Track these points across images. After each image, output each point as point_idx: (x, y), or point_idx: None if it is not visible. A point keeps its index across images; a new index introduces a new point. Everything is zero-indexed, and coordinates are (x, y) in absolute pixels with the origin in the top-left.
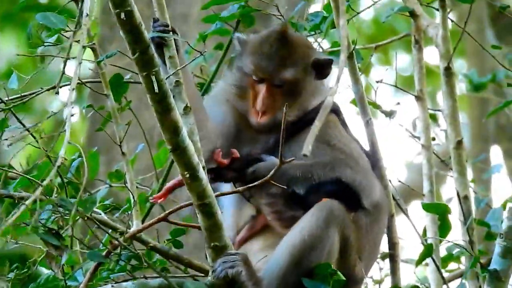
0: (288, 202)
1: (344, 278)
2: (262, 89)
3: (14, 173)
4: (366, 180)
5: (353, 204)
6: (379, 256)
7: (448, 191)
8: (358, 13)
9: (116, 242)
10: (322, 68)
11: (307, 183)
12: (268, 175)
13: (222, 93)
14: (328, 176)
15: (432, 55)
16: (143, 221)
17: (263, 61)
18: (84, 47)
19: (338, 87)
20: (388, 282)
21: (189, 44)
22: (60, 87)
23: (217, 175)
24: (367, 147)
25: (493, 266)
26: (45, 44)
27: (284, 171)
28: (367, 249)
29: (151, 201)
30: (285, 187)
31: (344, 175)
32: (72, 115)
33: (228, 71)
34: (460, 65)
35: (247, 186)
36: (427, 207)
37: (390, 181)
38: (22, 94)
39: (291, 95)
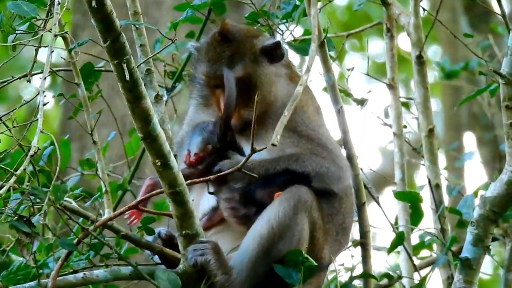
0: (243, 199)
1: (316, 264)
2: (220, 93)
3: None
4: (335, 165)
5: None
6: (350, 243)
7: (421, 178)
8: (331, 1)
9: (87, 230)
10: (272, 53)
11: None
12: (235, 168)
13: (193, 110)
14: (294, 168)
15: (405, 42)
16: (114, 209)
17: (210, 68)
18: (55, 35)
19: (308, 76)
20: (359, 269)
21: (160, 32)
22: (32, 75)
23: (186, 176)
24: (338, 135)
25: (464, 254)
26: (17, 32)
27: (250, 169)
28: (334, 234)
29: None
30: (255, 175)
31: (311, 164)
32: (44, 104)
33: (190, 84)
34: (434, 52)
35: (210, 178)
36: (398, 196)
37: (361, 169)
38: None
39: (249, 89)
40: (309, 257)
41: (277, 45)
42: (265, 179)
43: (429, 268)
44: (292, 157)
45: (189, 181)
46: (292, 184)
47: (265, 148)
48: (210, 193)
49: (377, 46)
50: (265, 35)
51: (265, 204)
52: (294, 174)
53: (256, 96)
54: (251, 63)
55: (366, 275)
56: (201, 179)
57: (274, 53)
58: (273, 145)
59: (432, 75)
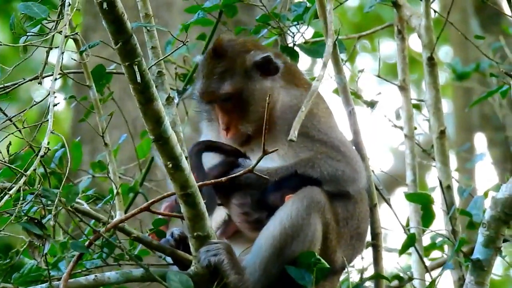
0: (255, 203)
1: (328, 266)
2: (217, 108)
3: None
4: (350, 167)
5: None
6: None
7: (433, 179)
8: (341, 3)
9: (98, 232)
10: (265, 67)
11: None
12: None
13: (203, 124)
14: (310, 174)
15: (417, 43)
16: (126, 211)
17: (203, 85)
18: (66, 37)
19: (324, 73)
20: (371, 271)
21: (171, 34)
22: (43, 77)
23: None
24: (350, 137)
25: (475, 255)
26: (28, 34)
27: (267, 175)
28: (349, 239)
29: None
30: (268, 177)
31: (326, 169)
32: (55, 105)
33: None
34: (445, 53)
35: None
36: (410, 197)
37: (373, 171)
38: (5, 85)
39: (242, 104)
40: (322, 259)
41: (267, 59)
42: (277, 182)
43: (440, 270)
44: (307, 162)
45: (201, 183)
46: (303, 186)
47: (277, 150)
48: (219, 204)
49: (388, 47)
50: (261, 48)
51: (277, 208)
52: (306, 176)
53: (267, 98)
54: (242, 78)
55: (377, 276)
56: (213, 181)
57: (267, 67)
58: (291, 140)
59: (444, 76)
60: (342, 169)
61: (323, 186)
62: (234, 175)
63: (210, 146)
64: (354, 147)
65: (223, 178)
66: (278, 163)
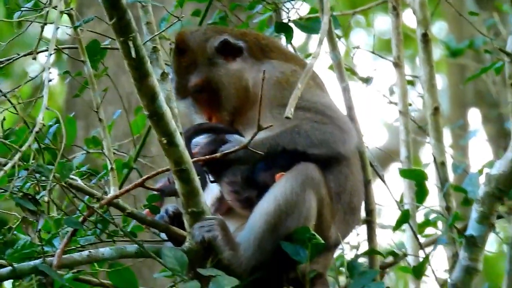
0: (245, 182)
1: (323, 242)
2: (194, 102)
3: None
4: (338, 129)
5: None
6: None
7: (427, 156)
8: None
9: (92, 208)
10: (227, 50)
11: (275, 154)
12: (241, 145)
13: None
14: (298, 141)
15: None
16: (120, 187)
17: (175, 82)
18: (61, 12)
19: (320, 49)
20: (365, 247)
21: (167, 10)
22: (38, 52)
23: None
24: (344, 113)
25: (469, 232)
26: (22, 9)
27: (254, 148)
28: (342, 214)
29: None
30: (262, 153)
31: (313, 133)
32: (49, 81)
33: None
34: (440, 28)
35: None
36: (403, 173)
37: (367, 147)
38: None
39: (217, 91)
40: (316, 235)
41: (225, 43)
42: (267, 161)
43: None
44: (293, 129)
45: (195, 159)
46: (293, 163)
47: (272, 126)
48: (212, 181)
49: (383, 22)
50: (220, 33)
51: (267, 186)
52: (295, 153)
53: (262, 74)
54: (207, 67)
55: (372, 252)
56: (207, 157)
57: (229, 50)
58: (287, 117)
59: (438, 52)
60: (330, 131)
61: (314, 151)
62: (229, 151)
63: (200, 129)
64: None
65: (217, 154)
66: (264, 136)
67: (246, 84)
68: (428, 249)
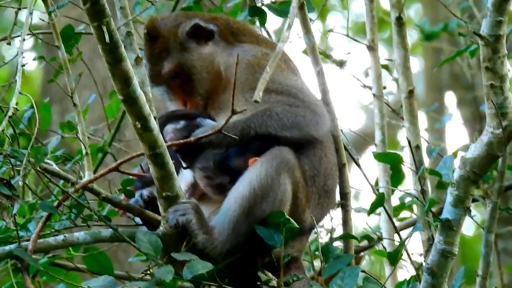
0: (217, 168)
1: (297, 226)
2: (169, 88)
3: None
4: (311, 111)
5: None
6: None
7: (403, 139)
8: None
9: (67, 193)
10: (198, 34)
11: (247, 137)
12: (215, 130)
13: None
14: (270, 124)
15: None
16: (95, 172)
17: (149, 70)
18: None
19: (289, 33)
20: (340, 231)
21: None
22: (12, 37)
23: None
24: (319, 96)
25: (444, 215)
26: None
27: (224, 131)
28: (316, 198)
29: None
30: (236, 137)
31: (285, 116)
32: (23, 65)
33: None
34: (416, 11)
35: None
36: (378, 157)
37: (342, 130)
38: None
39: (190, 76)
40: (291, 219)
41: (196, 27)
42: (240, 146)
43: (409, 230)
44: (265, 112)
45: (169, 143)
46: (266, 148)
47: (246, 110)
48: (185, 167)
49: (358, 5)
50: (191, 17)
51: (240, 172)
52: (267, 138)
53: (234, 58)
54: (179, 52)
55: (346, 236)
56: (181, 141)
57: (200, 34)
58: (256, 101)
59: (414, 35)
60: (303, 114)
61: (286, 133)
62: (202, 135)
63: (173, 116)
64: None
65: (191, 138)
66: (236, 119)
67: (218, 68)
68: (403, 233)
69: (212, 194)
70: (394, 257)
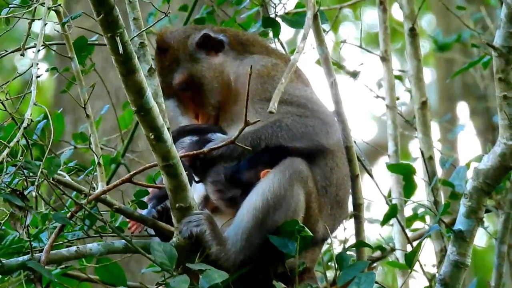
0: (228, 181)
1: (311, 234)
2: (180, 100)
3: None
4: (320, 121)
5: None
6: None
7: (416, 150)
8: None
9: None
10: (208, 45)
11: (257, 149)
12: (227, 141)
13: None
14: (280, 135)
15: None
16: (108, 183)
17: (160, 82)
18: (48, 8)
19: (305, 44)
20: (352, 242)
21: (154, 6)
22: (26, 49)
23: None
24: (332, 107)
25: (457, 226)
26: (10, 6)
27: (234, 146)
28: (329, 208)
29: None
30: (248, 148)
31: (295, 126)
32: (38, 77)
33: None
34: (428, 21)
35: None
36: (391, 168)
37: (355, 141)
38: None
39: (200, 86)
40: (305, 227)
41: (205, 37)
42: (250, 158)
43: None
44: (274, 123)
45: (182, 154)
46: (277, 160)
47: (259, 120)
48: (197, 181)
49: (372, 16)
50: (200, 29)
51: (251, 185)
52: (278, 150)
53: (244, 68)
54: (189, 63)
55: (360, 244)
56: (195, 152)
57: (210, 45)
58: (271, 112)
59: (427, 45)
60: (312, 124)
61: (296, 144)
62: (215, 146)
63: (184, 131)
64: (336, 118)
65: (204, 149)
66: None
67: (228, 79)
68: (415, 244)
69: (224, 207)
70: (410, 260)
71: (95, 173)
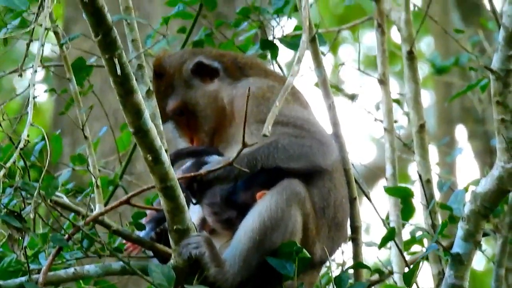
0: (224, 203)
1: (309, 256)
2: (175, 124)
3: None
4: (317, 142)
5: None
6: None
7: (414, 173)
8: None
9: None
10: (202, 72)
11: (253, 170)
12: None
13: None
14: (276, 156)
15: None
16: (105, 204)
17: (158, 105)
18: (46, 29)
19: (299, 67)
20: (350, 265)
21: (152, 27)
22: (23, 70)
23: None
24: (330, 130)
25: (455, 249)
26: (8, 27)
27: (230, 167)
28: (327, 231)
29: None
30: (245, 169)
31: (292, 147)
32: (34, 98)
33: None
34: (427, 44)
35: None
36: (389, 191)
37: (353, 164)
38: None
39: (194, 113)
40: (303, 248)
41: (199, 64)
42: (246, 180)
43: (420, 264)
44: (271, 144)
45: (180, 176)
46: (274, 181)
47: (256, 143)
48: (195, 203)
49: (370, 38)
50: (197, 54)
51: (247, 207)
52: (274, 171)
53: (237, 91)
54: (183, 90)
55: (358, 265)
56: (192, 174)
57: (204, 71)
58: (265, 135)
59: (425, 68)
60: (309, 144)
61: (293, 164)
62: (213, 168)
63: (180, 155)
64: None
65: (201, 171)
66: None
67: (221, 104)
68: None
69: (221, 229)
70: (409, 279)
71: (93, 195)
